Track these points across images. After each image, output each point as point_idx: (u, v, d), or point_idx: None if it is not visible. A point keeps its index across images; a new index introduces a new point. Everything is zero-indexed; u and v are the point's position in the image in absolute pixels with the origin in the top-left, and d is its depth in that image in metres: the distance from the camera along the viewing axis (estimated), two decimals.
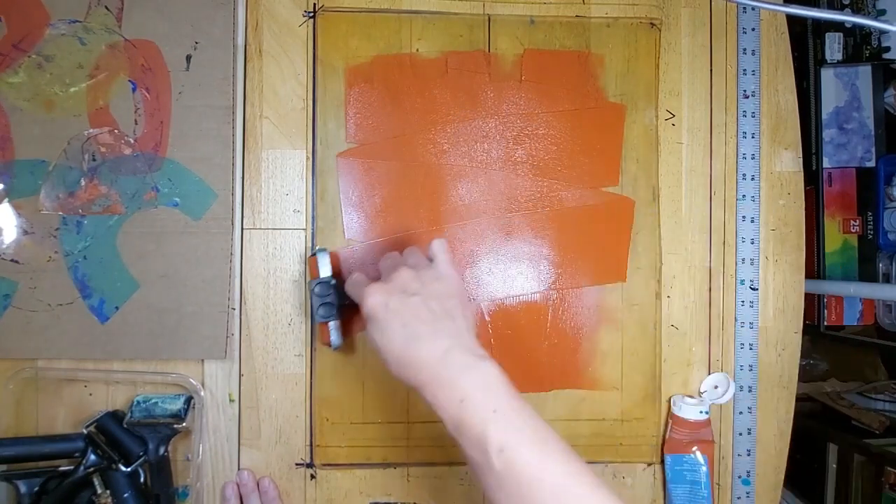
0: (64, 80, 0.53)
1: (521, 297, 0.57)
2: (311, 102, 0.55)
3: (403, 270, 0.42)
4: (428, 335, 0.39)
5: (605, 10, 0.57)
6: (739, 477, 0.58)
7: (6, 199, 0.52)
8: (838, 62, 0.92)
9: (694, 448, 0.56)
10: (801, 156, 0.59)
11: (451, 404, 0.36)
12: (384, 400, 0.56)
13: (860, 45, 0.90)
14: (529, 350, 0.57)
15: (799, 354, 0.59)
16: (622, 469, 0.58)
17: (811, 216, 0.93)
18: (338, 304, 0.51)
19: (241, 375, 0.55)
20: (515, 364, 0.56)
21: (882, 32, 0.87)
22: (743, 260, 0.58)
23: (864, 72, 0.92)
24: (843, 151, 0.93)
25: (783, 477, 0.59)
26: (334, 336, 0.51)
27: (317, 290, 0.51)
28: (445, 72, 0.56)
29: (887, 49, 0.88)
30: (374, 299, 0.41)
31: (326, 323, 0.51)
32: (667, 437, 0.57)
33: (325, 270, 0.51)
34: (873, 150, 0.92)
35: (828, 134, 0.92)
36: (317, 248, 0.54)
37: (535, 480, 0.33)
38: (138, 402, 0.53)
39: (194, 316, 0.53)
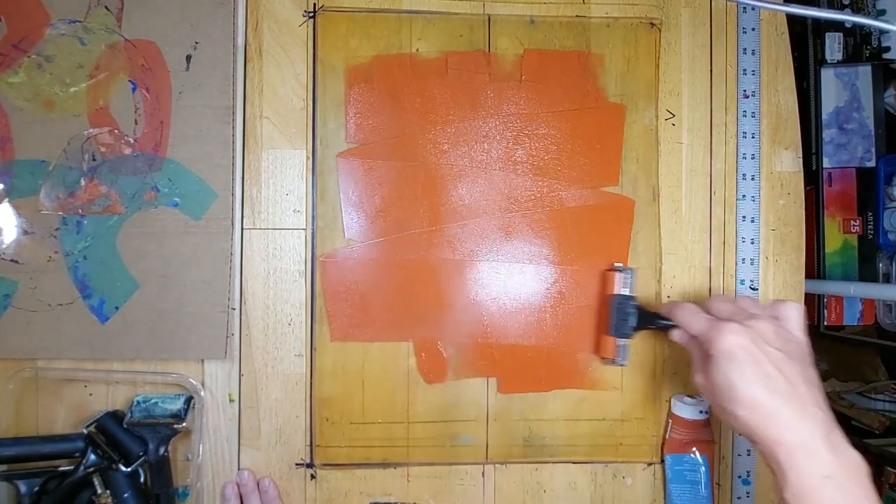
0: (64, 80, 0.53)
1: (520, 297, 0.57)
2: (311, 102, 0.55)
3: (767, 321, 0.41)
4: (791, 395, 0.38)
5: (605, 10, 0.57)
6: (739, 477, 0.58)
7: (6, 199, 0.52)
8: (838, 62, 0.92)
9: (694, 448, 0.56)
10: (801, 156, 0.59)
11: (811, 475, 0.36)
12: (384, 400, 0.56)
13: (860, 45, 0.90)
14: (530, 350, 0.57)
15: None
16: (622, 469, 0.58)
17: (811, 216, 0.93)
18: (635, 325, 0.52)
19: (241, 375, 0.55)
20: (516, 364, 0.56)
21: (882, 32, 0.87)
22: (743, 260, 0.58)
23: (864, 72, 0.92)
24: (843, 151, 0.92)
25: None
26: (622, 355, 0.53)
27: (618, 305, 0.52)
28: (445, 72, 0.56)
29: (887, 49, 0.88)
30: (737, 339, 0.40)
31: (616, 339, 0.52)
32: (667, 437, 0.57)
33: (628, 289, 0.52)
34: (873, 150, 0.92)
35: (828, 134, 0.92)
36: (619, 264, 0.55)
37: None
38: (138, 402, 0.53)
39: (194, 316, 0.53)
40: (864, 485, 0.36)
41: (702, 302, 0.47)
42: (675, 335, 0.49)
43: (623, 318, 0.52)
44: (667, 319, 0.49)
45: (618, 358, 0.53)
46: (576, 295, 0.57)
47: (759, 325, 0.41)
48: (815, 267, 0.93)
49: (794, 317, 0.43)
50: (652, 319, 0.51)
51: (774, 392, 0.38)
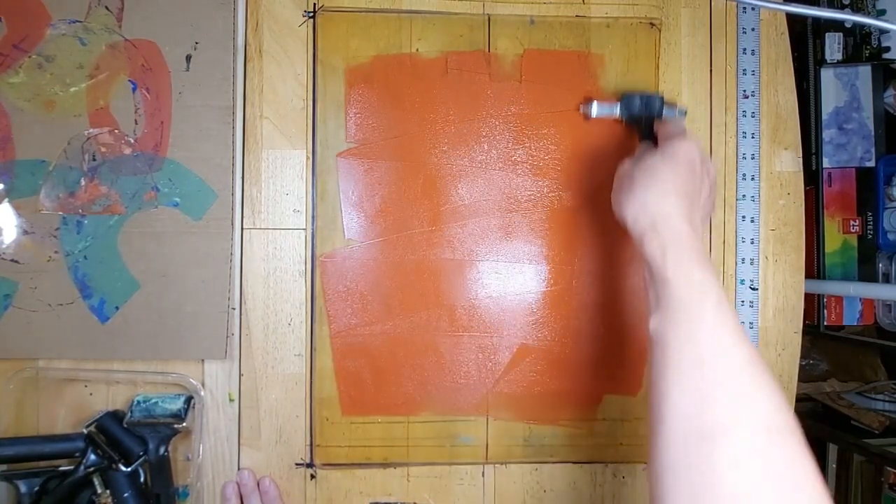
0: (64, 80, 0.53)
1: (519, 297, 0.57)
2: (311, 102, 0.56)
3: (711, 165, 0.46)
4: (692, 206, 0.42)
5: (605, 10, 0.57)
6: None
7: (6, 199, 0.53)
8: (838, 62, 0.92)
9: None
10: (801, 156, 0.59)
11: (681, 231, 0.39)
12: (385, 399, 0.56)
13: (860, 45, 0.90)
14: (530, 349, 0.57)
15: (799, 354, 0.59)
16: (622, 469, 0.58)
17: (811, 216, 0.93)
18: (632, 115, 0.53)
19: (241, 375, 0.55)
20: (517, 363, 0.57)
21: (882, 32, 0.87)
22: (743, 260, 0.58)
23: (864, 72, 0.92)
24: (843, 151, 0.93)
25: None
26: (598, 110, 0.54)
27: (642, 96, 0.54)
28: (445, 72, 0.56)
29: (887, 49, 0.88)
30: (693, 150, 0.43)
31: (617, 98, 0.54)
32: None
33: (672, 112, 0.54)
34: (873, 150, 0.92)
35: (828, 134, 0.92)
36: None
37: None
38: (138, 402, 0.53)
39: (194, 316, 0.53)
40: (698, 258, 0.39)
41: None
42: (640, 146, 0.51)
43: (643, 106, 0.53)
44: (651, 129, 0.52)
45: (595, 106, 0.54)
46: (575, 295, 0.57)
47: (709, 162, 0.46)
48: (815, 267, 0.93)
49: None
50: (648, 130, 0.53)
51: (681, 192, 0.41)
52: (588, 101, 0.55)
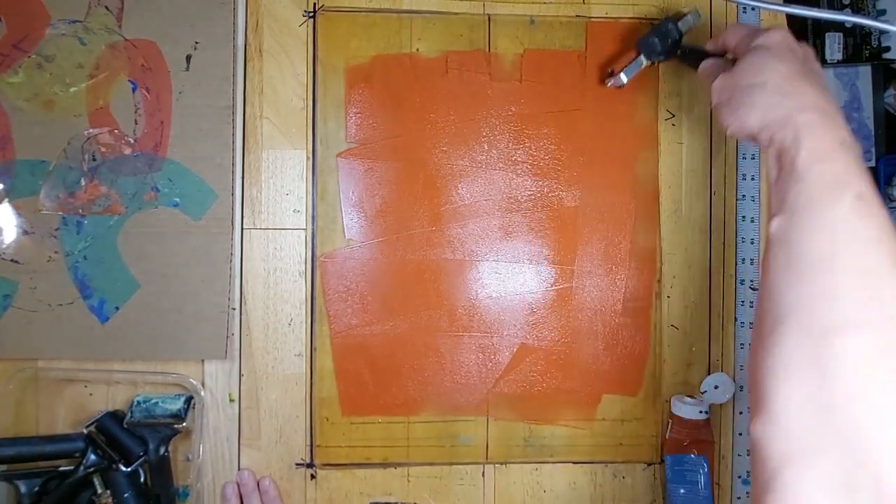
0: (64, 80, 0.53)
1: (519, 297, 0.57)
2: (311, 102, 0.55)
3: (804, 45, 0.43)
4: (813, 82, 0.38)
5: (605, 10, 0.57)
6: (739, 477, 0.58)
7: (6, 199, 0.52)
8: (838, 62, 0.92)
9: (694, 448, 0.56)
10: None
11: (829, 139, 0.35)
12: (385, 400, 0.56)
13: (860, 45, 0.90)
14: (530, 349, 0.57)
15: None
16: (622, 469, 0.58)
17: None
18: (664, 49, 0.51)
19: (241, 375, 0.55)
20: (517, 363, 0.56)
21: (882, 32, 0.87)
22: (743, 260, 0.58)
23: (864, 72, 0.91)
24: None
25: None
26: (628, 72, 0.52)
27: (661, 25, 0.52)
28: (445, 72, 0.56)
29: (887, 49, 0.88)
30: (779, 35, 0.41)
31: (637, 53, 0.52)
32: (667, 437, 0.57)
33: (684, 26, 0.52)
34: (873, 150, 0.92)
35: None
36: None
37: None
38: (138, 402, 0.53)
39: (194, 316, 0.53)
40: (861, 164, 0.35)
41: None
42: (706, 65, 0.48)
43: (658, 37, 0.51)
44: (701, 54, 0.49)
45: (623, 73, 0.52)
46: (575, 295, 0.57)
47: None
48: None
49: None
50: (686, 50, 0.51)
51: (800, 77, 0.38)
52: (611, 73, 0.54)
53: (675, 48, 0.52)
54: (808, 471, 0.27)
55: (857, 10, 0.81)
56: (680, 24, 0.52)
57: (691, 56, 0.51)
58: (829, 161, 0.33)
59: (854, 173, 0.33)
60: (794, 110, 0.36)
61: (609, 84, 0.55)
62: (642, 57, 0.52)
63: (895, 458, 0.26)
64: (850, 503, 0.26)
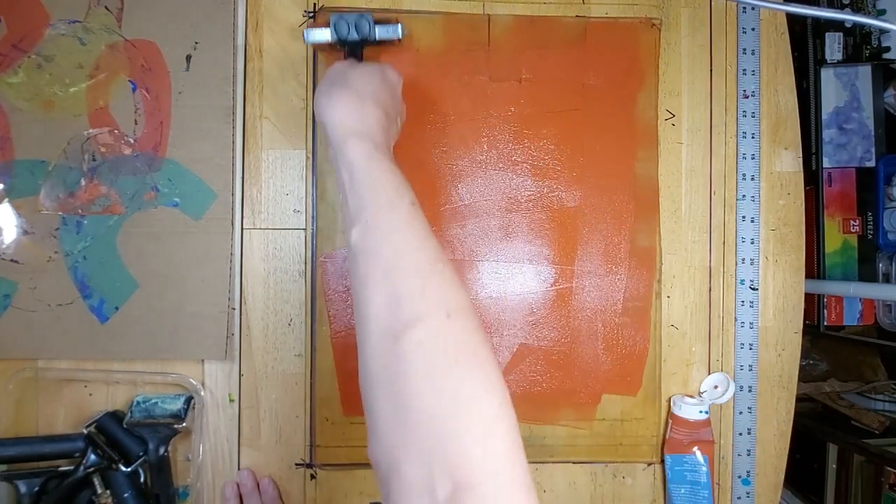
0: (64, 81, 0.53)
1: (519, 297, 0.57)
2: (311, 102, 0.55)
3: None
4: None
5: (605, 10, 0.57)
6: (739, 477, 0.58)
7: (6, 199, 0.52)
8: (838, 62, 0.92)
9: (694, 448, 0.56)
10: (801, 156, 0.59)
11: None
12: None
13: (860, 45, 0.90)
14: (530, 349, 0.57)
15: (799, 354, 0.59)
16: (622, 469, 0.58)
17: (811, 216, 0.93)
18: (343, 39, 0.50)
19: (241, 375, 0.55)
20: (517, 363, 0.56)
21: (882, 32, 0.87)
22: (743, 260, 0.58)
23: (864, 72, 0.92)
24: (843, 151, 0.93)
25: (783, 477, 0.59)
26: (309, 36, 0.51)
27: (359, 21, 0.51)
28: (445, 72, 0.56)
29: (887, 49, 0.88)
30: (398, 77, 0.48)
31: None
32: (667, 437, 0.57)
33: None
34: (873, 150, 0.92)
35: (828, 134, 0.92)
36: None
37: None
38: (138, 403, 0.53)
39: (194, 316, 0.53)
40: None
41: None
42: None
43: (352, 24, 0.50)
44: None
45: (307, 32, 0.51)
46: (574, 295, 0.57)
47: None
48: (815, 267, 0.93)
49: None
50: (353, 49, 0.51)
51: (386, 111, 0.43)
52: (310, 18, 0.53)
53: (360, 47, 0.51)
54: (397, 480, 0.28)
55: (857, 10, 0.81)
56: (380, 28, 0.51)
57: (351, 54, 0.51)
58: (391, 174, 0.38)
59: (406, 184, 0.38)
60: (370, 127, 0.40)
61: (301, 27, 0.54)
62: (328, 34, 0.50)
63: (462, 446, 0.27)
64: (430, 495, 0.26)
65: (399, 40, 0.52)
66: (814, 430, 1.06)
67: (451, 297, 0.32)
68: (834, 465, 1.03)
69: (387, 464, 0.29)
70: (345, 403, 0.55)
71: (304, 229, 0.55)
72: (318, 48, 0.54)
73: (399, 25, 0.52)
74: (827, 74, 0.92)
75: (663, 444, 0.58)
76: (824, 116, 0.92)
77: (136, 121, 0.53)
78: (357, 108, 0.41)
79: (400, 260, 0.33)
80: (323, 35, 0.51)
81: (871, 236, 0.92)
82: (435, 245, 0.35)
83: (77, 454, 0.50)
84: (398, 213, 0.35)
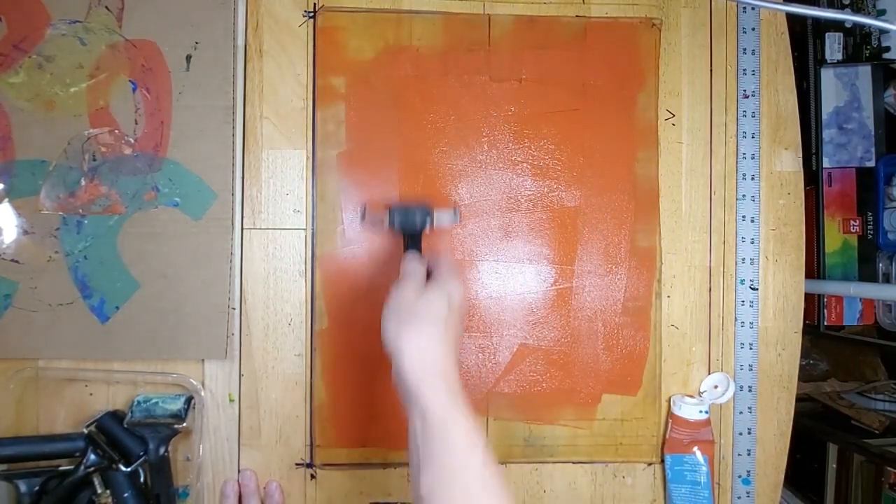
0: (64, 81, 0.53)
1: (519, 297, 0.57)
2: (311, 102, 0.56)
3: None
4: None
5: (605, 10, 0.57)
6: (739, 477, 0.58)
7: (6, 199, 0.53)
8: (838, 62, 0.92)
9: (694, 448, 0.56)
10: (801, 156, 0.59)
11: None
12: (384, 400, 0.56)
13: (860, 45, 0.90)
14: (530, 349, 0.57)
15: (799, 354, 0.59)
16: (622, 469, 0.58)
17: (811, 216, 0.93)
18: (402, 227, 0.51)
19: (241, 375, 0.55)
20: (517, 363, 0.56)
21: (882, 32, 0.87)
22: (743, 260, 0.58)
23: (864, 72, 0.92)
24: (843, 151, 0.93)
25: (783, 477, 0.59)
26: (368, 216, 0.53)
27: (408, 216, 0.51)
28: (445, 72, 0.56)
29: (887, 49, 0.88)
30: (462, 294, 0.44)
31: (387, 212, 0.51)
32: (667, 437, 0.57)
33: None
34: (873, 150, 0.92)
35: (828, 134, 0.92)
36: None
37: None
38: (138, 402, 0.53)
39: (194, 316, 0.53)
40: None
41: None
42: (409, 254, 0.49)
43: (408, 217, 0.50)
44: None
45: (367, 218, 0.53)
46: (574, 295, 0.57)
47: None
48: (815, 267, 0.93)
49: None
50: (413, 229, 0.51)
51: (454, 346, 0.41)
52: (362, 207, 0.54)
53: (414, 237, 0.51)
54: None
55: (857, 10, 0.81)
56: (437, 214, 0.51)
57: (413, 247, 0.51)
58: (465, 419, 0.37)
59: (477, 428, 0.37)
60: (445, 370, 0.39)
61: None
62: (387, 218, 0.51)
63: None
64: None
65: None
66: (814, 430, 1.06)
67: None
68: (834, 465, 1.03)
69: None
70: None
71: (304, 229, 0.55)
72: (371, 230, 0.55)
73: (457, 212, 0.53)
74: (827, 74, 0.92)
75: (663, 443, 0.58)
76: (824, 116, 0.92)
77: (136, 121, 0.53)
78: (431, 350, 0.39)
79: None
80: (380, 218, 0.52)
81: (871, 236, 0.92)
82: (502, 488, 0.35)
83: (77, 454, 0.50)
84: (468, 475, 0.35)
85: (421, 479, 0.35)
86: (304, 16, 0.56)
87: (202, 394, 0.54)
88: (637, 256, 0.57)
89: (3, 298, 0.52)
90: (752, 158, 0.58)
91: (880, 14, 0.88)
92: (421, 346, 0.39)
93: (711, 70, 0.58)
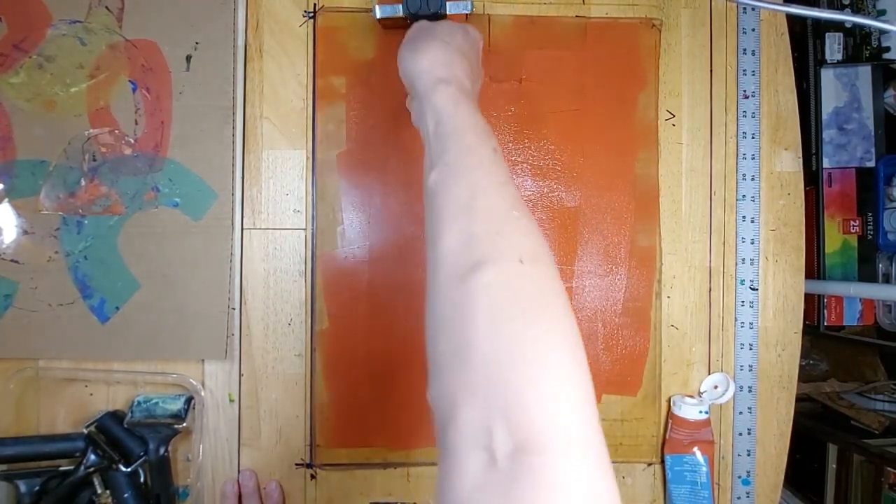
0: (65, 81, 0.53)
1: None
2: (311, 102, 0.56)
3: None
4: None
5: (605, 10, 0.57)
6: (739, 477, 0.58)
7: (6, 199, 0.53)
8: (838, 62, 0.92)
9: (694, 448, 0.56)
10: (800, 156, 0.59)
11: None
12: (384, 400, 0.56)
13: (860, 46, 0.90)
14: None
15: (799, 354, 0.59)
16: (622, 469, 0.58)
17: (811, 216, 0.93)
18: (414, 14, 0.50)
19: (241, 375, 0.55)
20: None
21: (882, 32, 0.87)
22: (743, 260, 0.58)
23: (864, 72, 0.92)
24: (843, 152, 0.93)
25: (783, 477, 0.59)
26: (380, 11, 0.51)
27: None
28: None
29: (887, 49, 0.88)
30: (479, 38, 0.48)
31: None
32: (667, 437, 0.57)
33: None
34: (873, 150, 0.92)
35: (828, 134, 0.92)
36: None
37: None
38: (139, 402, 0.53)
39: (194, 316, 0.53)
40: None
41: None
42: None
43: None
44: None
45: (378, 7, 0.51)
46: (574, 295, 0.57)
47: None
48: (815, 267, 0.93)
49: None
50: (432, 12, 0.50)
51: (470, 62, 0.44)
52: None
53: (431, 19, 0.50)
54: (454, 427, 0.26)
55: (857, 10, 0.81)
56: (450, 3, 0.50)
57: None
58: (478, 119, 0.37)
59: (490, 130, 0.37)
60: (456, 74, 0.40)
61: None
62: (401, 8, 0.50)
63: (524, 400, 0.26)
64: (487, 449, 0.25)
65: (469, 14, 0.52)
66: (814, 430, 1.06)
67: (526, 242, 0.31)
68: (834, 465, 1.03)
69: (445, 407, 0.27)
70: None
71: (304, 229, 0.55)
72: (384, 24, 0.54)
73: (469, 1, 0.52)
74: (827, 75, 0.92)
75: (663, 444, 0.58)
76: (824, 117, 0.92)
77: (136, 121, 0.53)
78: (445, 56, 0.41)
79: (476, 200, 0.32)
80: (394, 9, 0.51)
81: (871, 236, 0.92)
82: (514, 193, 0.34)
83: (77, 454, 0.50)
84: (479, 156, 0.35)
85: (430, 174, 0.35)
86: (304, 16, 0.56)
87: (202, 394, 0.54)
88: (637, 257, 0.57)
89: (3, 298, 0.52)
90: (752, 159, 0.58)
91: (880, 14, 0.88)
92: (437, 54, 0.41)
93: (711, 70, 0.58)
